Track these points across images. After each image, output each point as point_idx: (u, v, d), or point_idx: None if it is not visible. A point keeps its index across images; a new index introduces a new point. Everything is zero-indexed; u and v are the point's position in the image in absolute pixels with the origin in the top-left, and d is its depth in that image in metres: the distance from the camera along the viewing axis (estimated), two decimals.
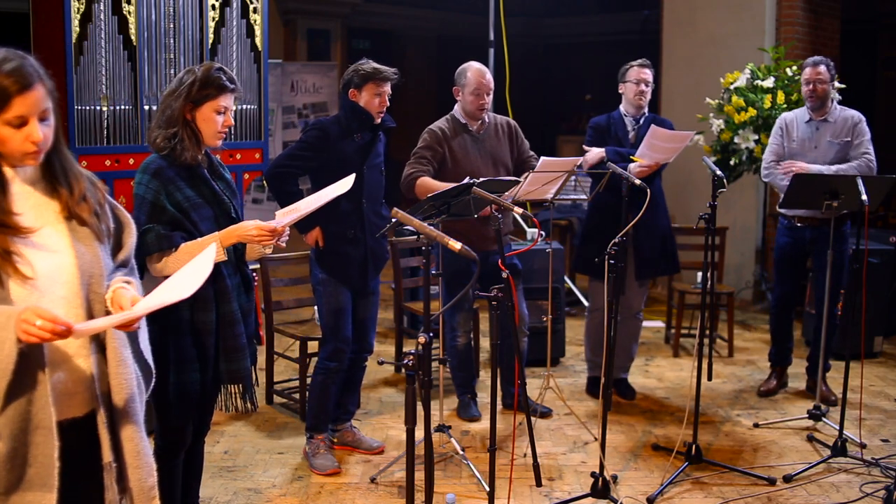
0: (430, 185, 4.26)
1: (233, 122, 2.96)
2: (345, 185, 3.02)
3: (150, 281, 2.81)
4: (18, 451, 1.86)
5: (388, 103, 3.99)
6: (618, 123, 4.83)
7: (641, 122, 4.79)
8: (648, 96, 4.80)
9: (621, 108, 4.88)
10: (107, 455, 2.02)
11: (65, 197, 1.98)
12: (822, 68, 4.78)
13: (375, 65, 3.97)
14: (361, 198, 3.92)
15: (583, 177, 4.88)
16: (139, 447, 2.06)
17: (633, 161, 4.54)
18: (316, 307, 4.22)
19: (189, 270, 1.99)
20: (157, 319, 2.72)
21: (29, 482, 1.88)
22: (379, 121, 4.00)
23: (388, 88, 3.97)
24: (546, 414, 4.75)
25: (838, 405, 4.63)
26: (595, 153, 4.65)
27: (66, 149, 2.03)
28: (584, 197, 4.64)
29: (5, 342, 1.80)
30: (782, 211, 4.99)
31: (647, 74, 4.78)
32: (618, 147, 4.70)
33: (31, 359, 1.86)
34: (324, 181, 3.90)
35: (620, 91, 4.88)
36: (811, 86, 4.80)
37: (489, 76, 4.51)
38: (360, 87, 3.94)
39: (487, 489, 3.42)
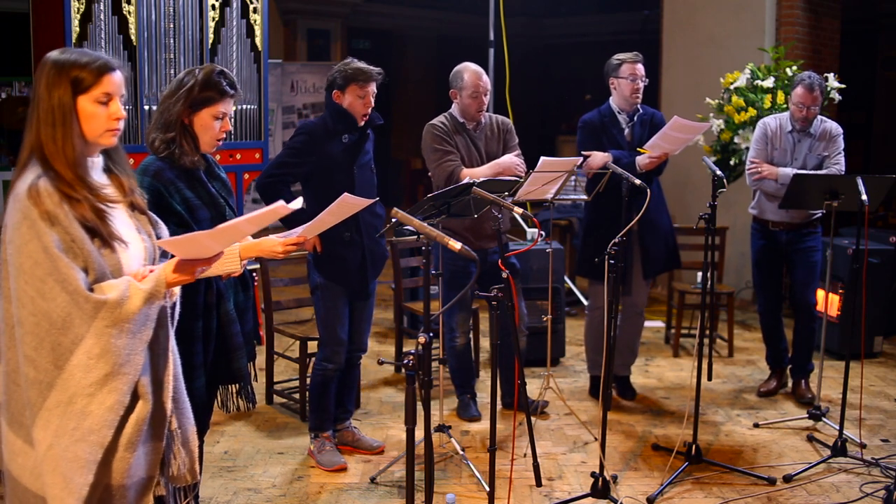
0: (475, 173, 4.25)
1: (231, 127, 2.94)
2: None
3: None
4: (155, 407, 2.13)
5: (372, 104, 3.91)
6: (611, 120, 4.72)
7: (636, 119, 4.72)
8: (642, 91, 4.72)
9: (612, 103, 4.77)
10: (174, 422, 2.23)
11: (127, 188, 2.18)
12: (818, 93, 4.69)
13: (359, 65, 3.88)
14: None
15: (581, 177, 4.85)
16: (190, 416, 2.30)
17: (640, 153, 4.51)
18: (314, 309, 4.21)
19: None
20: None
21: (148, 434, 2.13)
22: (363, 123, 3.92)
23: (372, 89, 3.89)
24: (543, 407, 4.74)
25: (815, 402, 4.69)
26: (600, 157, 4.52)
27: (120, 144, 2.21)
28: (584, 197, 4.63)
29: (157, 297, 2.08)
30: (754, 214, 5.03)
31: (641, 69, 4.68)
32: (615, 147, 4.63)
33: (162, 322, 2.14)
34: (315, 185, 3.89)
35: (612, 86, 4.75)
36: (805, 111, 4.72)
37: (485, 77, 4.48)
38: (343, 89, 3.87)
39: (487, 489, 3.42)
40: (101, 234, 2.04)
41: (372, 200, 3.24)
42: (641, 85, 4.68)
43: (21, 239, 1.96)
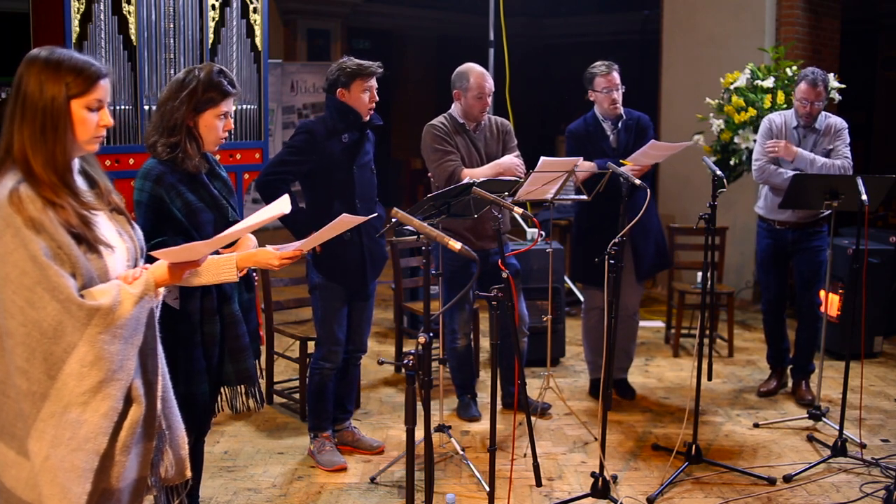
0: (476, 173, 4.26)
1: (233, 125, 2.94)
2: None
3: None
4: (147, 409, 2.13)
5: (377, 98, 3.95)
6: (596, 128, 4.74)
7: (620, 125, 4.73)
8: (621, 99, 4.71)
9: (596, 111, 4.78)
10: (162, 423, 2.22)
11: (103, 189, 2.15)
12: (821, 88, 4.70)
13: (359, 61, 3.93)
14: (354, 198, 3.87)
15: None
16: (178, 414, 2.30)
17: (624, 165, 4.52)
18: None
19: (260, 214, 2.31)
20: (168, 331, 2.72)
21: (140, 435, 2.13)
22: (367, 118, 3.95)
23: (374, 83, 3.93)
24: (545, 410, 4.74)
25: (815, 404, 4.68)
26: (587, 167, 4.54)
27: None
28: (584, 197, 4.63)
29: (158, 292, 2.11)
30: (761, 213, 5.02)
31: (616, 78, 4.67)
32: (601, 155, 4.64)
33: (150, 323, 2.12)
34: (314, 184, 3.90)
35: (591, 98, 4.77)
36: (808, 106, 4.73)
37: (490, 78, 4.49)
38: (347, 86, 3.89)
39: (487, 489, 3.42)
40: (87, 239, 2.01)
41: (372, 216, 3.23)
42: (618, 94, 4.68)
43: (6, 248, 1.91)
